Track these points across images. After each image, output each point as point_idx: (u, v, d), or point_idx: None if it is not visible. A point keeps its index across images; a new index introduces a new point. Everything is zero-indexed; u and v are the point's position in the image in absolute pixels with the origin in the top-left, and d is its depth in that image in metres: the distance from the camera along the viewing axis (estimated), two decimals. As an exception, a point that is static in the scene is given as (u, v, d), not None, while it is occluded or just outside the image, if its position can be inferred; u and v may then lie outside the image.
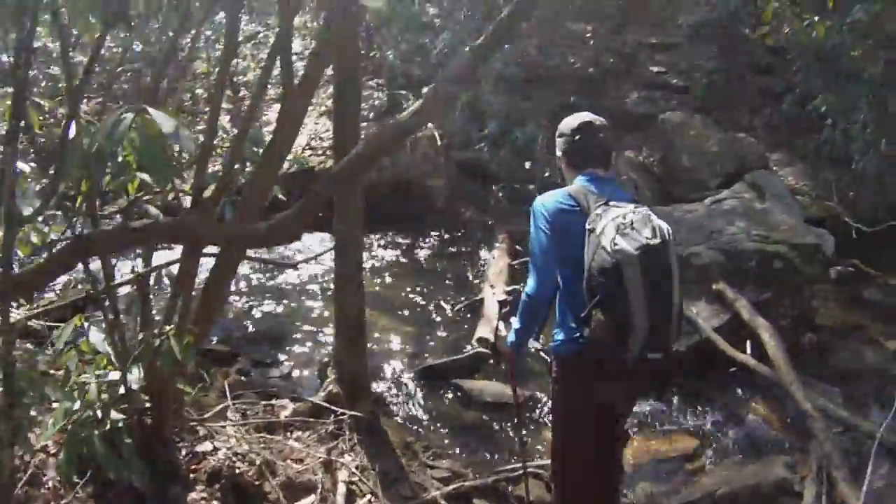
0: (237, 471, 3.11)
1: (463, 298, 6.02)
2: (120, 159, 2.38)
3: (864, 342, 5.66)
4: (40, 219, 2.37)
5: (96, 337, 2.79)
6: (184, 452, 3.13)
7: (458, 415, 4.58)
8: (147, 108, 1.97)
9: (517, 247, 6.95)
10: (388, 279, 6.51)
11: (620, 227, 2.42)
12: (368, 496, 3.31)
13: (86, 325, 2.80)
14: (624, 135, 8.64)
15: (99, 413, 2.59)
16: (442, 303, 6.05)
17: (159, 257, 3.15)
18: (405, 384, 4.85)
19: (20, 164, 2.33)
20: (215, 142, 3.03)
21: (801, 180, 8.14)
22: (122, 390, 2.67)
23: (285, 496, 3.13)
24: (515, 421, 4.14)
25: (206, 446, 3.20)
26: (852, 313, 6.19)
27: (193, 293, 2.93)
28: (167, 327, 2.69)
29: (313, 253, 6.19)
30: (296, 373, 4.93)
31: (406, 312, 5.89)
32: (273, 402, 3.95)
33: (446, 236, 7.56)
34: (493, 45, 2.31)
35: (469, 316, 5.81)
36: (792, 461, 4.05)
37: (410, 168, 7.74)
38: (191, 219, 2.69)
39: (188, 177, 3.36)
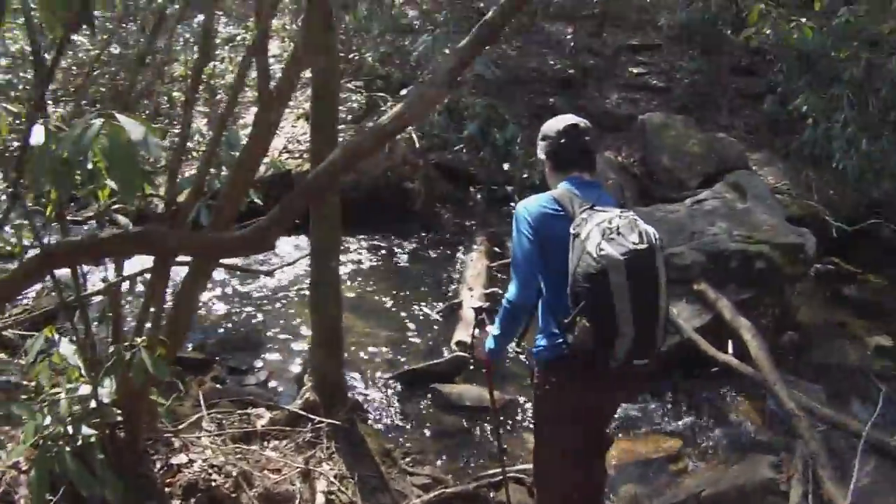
0: (213, 483, 3.04)
1: (441, 304, 5.96)
2: (91, 166, 2.30)
3: (845, 340, 5.72)
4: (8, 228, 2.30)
5: (67, 349, 2.72)
6: (158, 465, 3.06)
7: (437, 420, 4.52)
8: (115, 114, 1.90)
9: (496, 249, 6.93)
10: (366, 283, 6.43)
11: (606, 231, 2.36)
12: (348, 505, 3.25)
13: (56, 336, 2.74)
14: (604, 135, 8.65)
15: (70, 428, 2.53)
16: (420, 306, 5.99)
17: (132, 265, 3.08)
18: (384, 390, 4.79)
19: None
20: (191, 145, 2.96)
21: (781, 180, 8.17)
22: (93, 404, 2.59)
23: (263, 508, 3.07)
24: (494, 427, 4.11)
25: (182, 458, 3.12)
26: (833, 311, 6.25)
27: (166, 303, 2.86)
28: (139, 339, 2.62)
29: (289, 257, 6.10)
30: (272, 380, 4.85)
31: (384, 317, 5.82)
32: (249, 410, 3.88)
33: (425, 239, 7.50)
34: (477, 48, 2.26)
35: (445, 319, 5.75)
36: (777, 461, 4.03)
37: (388, 170, 7.68)
38: (160, 229, 2.62)
39: (161, 182, 3.29)
